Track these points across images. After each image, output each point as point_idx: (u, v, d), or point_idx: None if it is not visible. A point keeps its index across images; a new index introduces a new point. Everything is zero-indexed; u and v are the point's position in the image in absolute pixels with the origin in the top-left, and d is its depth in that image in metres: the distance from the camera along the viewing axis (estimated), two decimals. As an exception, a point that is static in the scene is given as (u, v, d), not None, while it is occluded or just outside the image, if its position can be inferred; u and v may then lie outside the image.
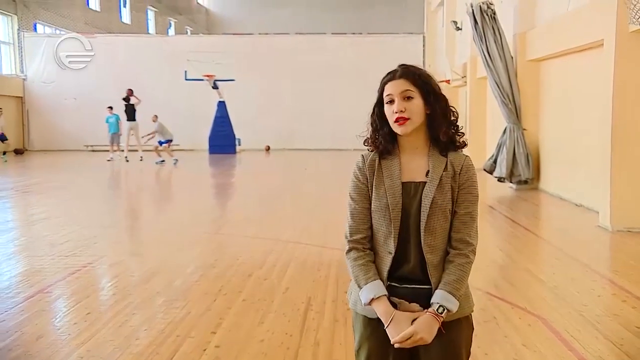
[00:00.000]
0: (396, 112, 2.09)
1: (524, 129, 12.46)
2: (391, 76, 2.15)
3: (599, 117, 8.80)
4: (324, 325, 4.56)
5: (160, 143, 19.68)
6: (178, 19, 43.70)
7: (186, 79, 23.61)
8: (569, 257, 6.95)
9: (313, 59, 26.28)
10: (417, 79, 2.12)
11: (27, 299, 5.25)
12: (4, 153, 21.20)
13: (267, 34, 29.51)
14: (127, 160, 18.32)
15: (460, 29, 19.78)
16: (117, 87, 25.78)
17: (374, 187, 2.14)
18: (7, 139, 21.50)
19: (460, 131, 2.18)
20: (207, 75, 23.10)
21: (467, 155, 2.18)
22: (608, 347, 4.12)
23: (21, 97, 26.26)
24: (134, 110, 19.08)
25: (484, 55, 12.74)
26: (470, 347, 2.21)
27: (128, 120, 19.35)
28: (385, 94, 2.14)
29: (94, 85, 26.08)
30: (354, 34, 28.90)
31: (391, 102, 2.12)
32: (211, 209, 11.58)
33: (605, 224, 8.26)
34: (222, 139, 23.65)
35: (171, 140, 19.82)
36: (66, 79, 26.50)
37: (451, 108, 2.17)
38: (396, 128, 2.12)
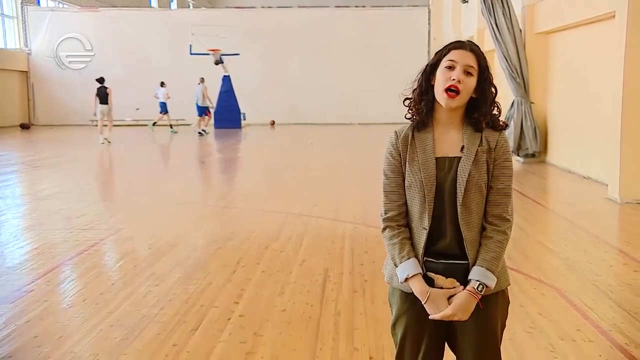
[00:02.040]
0: (453, 80, 2.08)
1: (532, 103, 12.48)
2: (461, 45, 2.13)
3: (608, 90, 8.82)
4: (343, 296, 4.67)
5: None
6: (180, -8, 43.31)
7: (191, 54, 23.53)
8: (579, 228, 7.04)
9: (317, 32, 26.14)
10: (482, 60, 2.12)
11: (51, 270, 5.37)
12: (171, 127, 21.97)
13: (270, 7, 29.31)
14: (103, 143, 17.43)
15: (467, 2, 19.65)
16: (122, 61, 25.82)
17: (407, 162, 2.15)
18: (167, 112, 22.04)
19: (502, 121, 2.19)
20: (212, 50, 23.00)
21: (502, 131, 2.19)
22: (622, 316, 4.22)
23: (26, 71, 26.21)
24: (107, 95, 18.31)
25: (492, 28, 12.69)
26: (506, 319, 2.26)
27: (101, 103, 17.92)
28: (448, 58, 2.11)
29: (98, 60, 26.01)
30: (357, 6, 28.67)
31: (451, 68, 2.09)
32: (221, 183, 11.68)
33: (614, 196, 8.34)
34: (228, 114, 23.64)
35: (202, 111, 21.05)
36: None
37: (497, 102, 2.17)
38: (443, 98, 2.10)
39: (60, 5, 28.73)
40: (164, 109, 22.08)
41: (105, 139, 17.38)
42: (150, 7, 37.06)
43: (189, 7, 42.99)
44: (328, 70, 26.06)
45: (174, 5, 42.17)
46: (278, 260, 5.71)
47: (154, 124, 22.55)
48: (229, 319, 4.18)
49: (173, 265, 5.53)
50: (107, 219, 7.72)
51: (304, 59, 26.20)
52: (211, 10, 35.08)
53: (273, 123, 25.71)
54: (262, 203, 8.79)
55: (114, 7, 29.57)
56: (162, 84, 22.08)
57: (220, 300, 4.57)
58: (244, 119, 24.33)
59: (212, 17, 27.32)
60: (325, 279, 5.07)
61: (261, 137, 21.72)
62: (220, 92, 23.77)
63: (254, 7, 29.66)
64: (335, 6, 28.83)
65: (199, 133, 20.80)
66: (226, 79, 23.71)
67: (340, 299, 4.60)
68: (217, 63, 23.13)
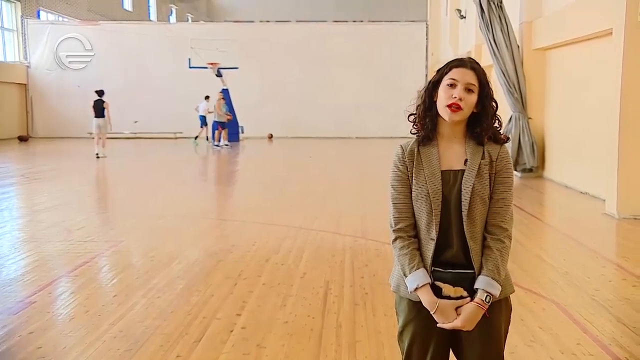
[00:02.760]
0: (455, 97, 2.15)
1: (530, 118, 12.58)
2: (461, 63, 2.21)
3: (605, 106, 8.90)
4: (344, 308, 4.70)
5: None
6: (179, 5, 43.63)
7: (190, 67, 23.64)
8: (577, 243, 7.08)
9: (315, 47, 26.28)
10: (482, 77, 2.20)
11: (52, 282, 5.39)
12: (196, 137, 22.48)
13: (268, 21, 29.48)
14: (98, 156, 17.09)
15: (464, 18, 19.84)
16: (121, 74, 25.93)
17: (413, 175, 2.22)
18: (206, 125, 22.47)
19: (503, 135, 2.26)
20: (211, 63, 23.11)
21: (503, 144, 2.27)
22: (622, 330, 4.25)
23: (25, 84, 26.26)
24: (103, 108, 17.60)
25: (490, 43, 12.81)
26: (509, 325, 2.32)
27: (96, 117, 17.45)
28: (449, 76, 2.19)
29: (97, 73, 26.09)
30: (355, 21, 28.86)
31: (452, 86, 2.17)
32: (221, 196, 11.71)
33: (611, 212, 8.39)
34: (226, 127, 23.69)
35: (220, 124, 21.51)
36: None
37: (497, 116, 2.24)
38: (446, 113, 2.18)
39: (61, 18, 28.87)
40: (203, 122, 22.68)
41: (97, 154, 17.17)
42: (150, 20, 37.31)
43: (187, 21, 43.28)
44: (326, 85, 26.18)
45: (173, 19, 42.48)
46: (279, 272, 5.74)
47: (196, 137, 23.03)
48: (232, 331, 4.20)
49: (174, 278, 5.56)
50: (107, 231, 7.75)
51: (302, 73, 26.32)
52: (210, 24, 35.21)
53: (271, 136, 25.78)
54: (262, 216, 8.81)
55: (114, 20, 29.73)
56: (206, 98, 22.57)
57: (222, 312, 4.60)
58: (242, 132, 24.40)
59: (211, 31, 27.41)
60: (326, 292, 5.10)
61: (260, 150, 21.79)
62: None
63: (252, 22, 29.82)
64: (334, 21, 29.03)
65: (225, 144, 21.42)
66: (225, 93, 23.75)
67: (342, 311, 4.63)
68: (218, 75, 23.33)
